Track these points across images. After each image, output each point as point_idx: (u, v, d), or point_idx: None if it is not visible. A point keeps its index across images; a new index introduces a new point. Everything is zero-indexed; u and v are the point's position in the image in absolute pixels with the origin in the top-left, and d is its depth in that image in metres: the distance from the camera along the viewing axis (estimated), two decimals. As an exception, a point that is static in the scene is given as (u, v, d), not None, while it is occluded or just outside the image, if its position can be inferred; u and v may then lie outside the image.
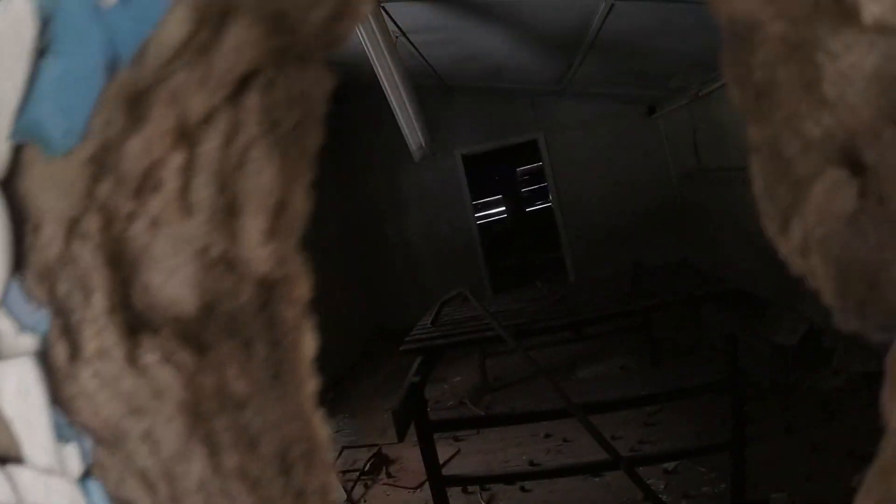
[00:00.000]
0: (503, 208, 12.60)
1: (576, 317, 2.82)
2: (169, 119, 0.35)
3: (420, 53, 4.65)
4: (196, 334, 0.37)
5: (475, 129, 6.79)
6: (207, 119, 0.35)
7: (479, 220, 7.68)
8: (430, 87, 6.09)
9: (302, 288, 0.39)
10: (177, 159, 0.35)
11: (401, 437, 2.25)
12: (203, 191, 0.35)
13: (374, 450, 3.55)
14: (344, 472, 3.41)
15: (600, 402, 3.20)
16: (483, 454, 3.35)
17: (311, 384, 0.40)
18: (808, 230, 0.33)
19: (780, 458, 2.62)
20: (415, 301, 6.86)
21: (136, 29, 0.35)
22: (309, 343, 0.39)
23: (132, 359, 0.38)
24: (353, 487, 3.21)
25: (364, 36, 3.26)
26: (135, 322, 0.38)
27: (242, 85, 0.35)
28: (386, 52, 3.35)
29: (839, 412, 2.81)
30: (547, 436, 3.37)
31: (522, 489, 2.90)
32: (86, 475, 0.46)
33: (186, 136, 0.35)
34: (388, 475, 3.30)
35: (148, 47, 0.35)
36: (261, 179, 0.35)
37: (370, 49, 3.31)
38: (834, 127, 0.31)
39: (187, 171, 0.35)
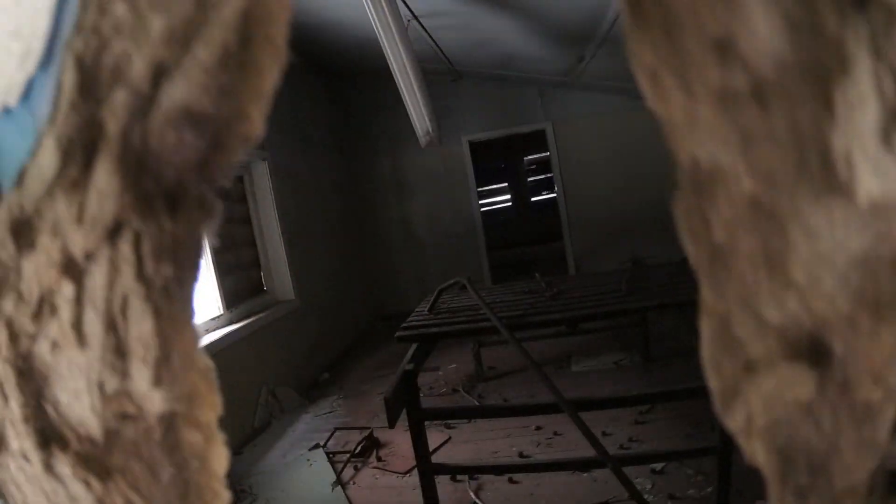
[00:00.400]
0: (508, 196, 12.58)
1: (572, 312, 2.83)
2: (54, 250, 0.34)
3: (431, 38, 4.61)
4: (102, 459, 0.37)
5: (483, 116, 6.75)
6: (90, 256, 0.33)
7: (483, 208, 7.67)
8: (439, 71, 6.05)
9: (208, 412, 0.37)
10: (67, 290, 0.34)
11: (391, 424, 2.27)
12: (93, 327, 0.34)
13: (366, 433, 3.58)
14: (334, 454, 3.45)
15: (592, 399, 3.21)
16: (473, 443, 3.38)
17: (222, 499, 0.40)
18: (753, 416, 0.29)
19: (767, 465, 2.64)
20: (414, 286, 6.90)
21: (17, 146, 0.34)
22: (219, 461, 0.38)
23: (48, 466, 0.39)
24: (342, 469, 3.25)
25: (375, 19, 3.24)
26: (49, 433, 0.38)
27: (115, 231, 0.33)
28: (396, 36, 3.32)
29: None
30: (538, 428, 3.39)
31: (510, 480, 2.94)
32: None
33: (73, 269, 0.34)
34: (379, 459, 3.34)
35: (28, 172, 0.34)
36: (142, 330, 0.33)
37: (381, 32, 3.28)
38: (799, 314, 0.26)
39: (78, 303, 0.34)
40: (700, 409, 3.13)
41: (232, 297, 4.21)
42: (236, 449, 3.70)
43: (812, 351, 0.27)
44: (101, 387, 0.34)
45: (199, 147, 0.32)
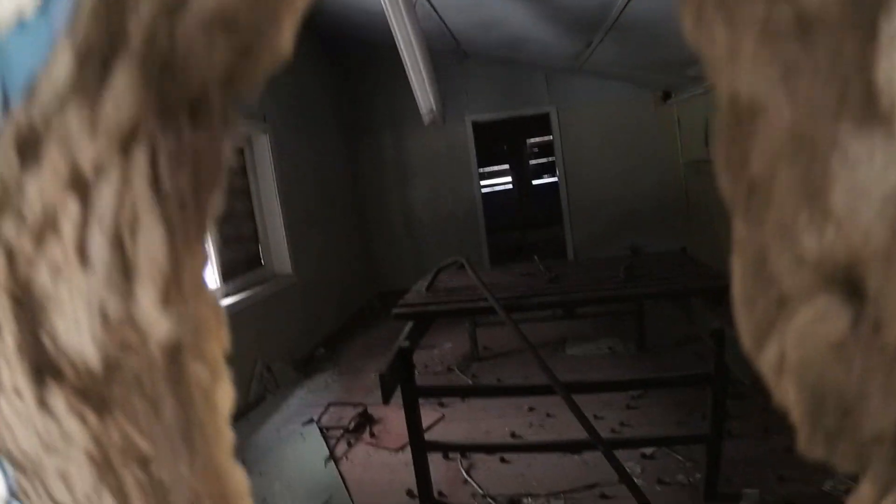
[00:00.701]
0: (509, 179, 12.54)
1: (568, 296, 2.84)
2: (62, 164, 0.32)
3: (440, 16, 4.57)
4: (100, 391, 0.35)
5: (488, 98, 6.71)
6: (99, 170, 0.31)
7: (485, 189, 7.65)
8: (446, 51, 6.00)
9: (215, 344, 0.36)
10: (72, 208, 0.32)
11: (386, 400, 2.28)
12: (99, 248, 0.32)
13: (360, 409, 3.60)
14: (328, 429, 3.47)
15: (585, 382, 3.23)
16: (466, 422, 3.40)
17: (226, 438, 0.39)
18: (786, 352, 0.29)
19: (755, 457, 2.66)
20: (413, 265, 6.90)
21: (28, 61, 0.32)
22: (224, 398, 0.37)
23: (41, 401, 0.37)
24: (336, 444, 3.27)
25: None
26: (45, 365, 0.36)
27: (130, 140, 0.31)
28: (404, 13, 3.28)
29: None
30: (531, 409, 3.42)
31: (502, 460, 2.95)
32: (12, 496, 0.47)
33: (80, 185, 0.32)
34: (372, 435, 3.36)
35: (38, 85, 0.32)
36: (151, 247, 0.31)
37: (388, 8, 3.25)
38: (836, 245, 0.26)
39: (83, 222, 0.32)
40: (692, 397, 3.14)
41: (229, 269, 4.21)
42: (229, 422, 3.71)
43: (847, 286, 0.26)
44: (103, 312, 0.33)
45: (229, 54, 0.30)
